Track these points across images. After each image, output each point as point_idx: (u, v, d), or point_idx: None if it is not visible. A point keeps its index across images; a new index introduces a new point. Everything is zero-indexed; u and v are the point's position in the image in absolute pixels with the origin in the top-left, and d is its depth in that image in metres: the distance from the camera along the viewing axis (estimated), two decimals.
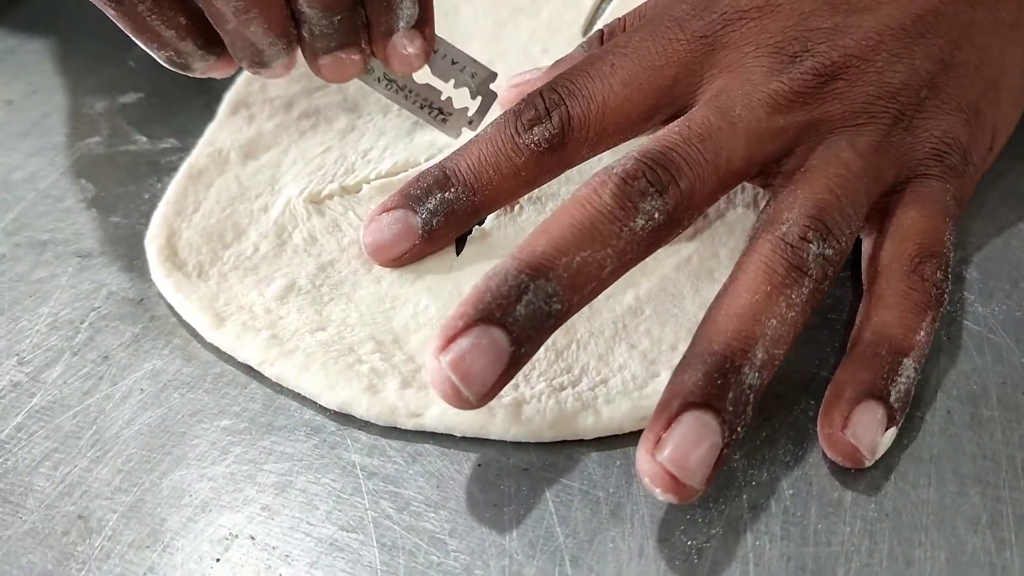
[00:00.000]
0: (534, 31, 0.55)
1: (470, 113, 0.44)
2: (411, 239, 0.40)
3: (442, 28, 0.42)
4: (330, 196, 0.45)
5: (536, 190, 0.44)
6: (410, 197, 0.40)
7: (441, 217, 0.40)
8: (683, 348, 0.38)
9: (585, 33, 0.55)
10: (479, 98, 0.43)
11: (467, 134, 0.43)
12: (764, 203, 0.39)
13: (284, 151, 0.48)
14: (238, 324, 0.40)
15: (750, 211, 0.44)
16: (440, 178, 0.40)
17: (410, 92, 0.43)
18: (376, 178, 0.46)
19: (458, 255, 0.42)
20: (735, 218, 0.43)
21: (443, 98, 0.43)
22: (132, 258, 0.44)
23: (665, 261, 0.42)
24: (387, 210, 0.40)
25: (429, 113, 0.43)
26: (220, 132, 0.49)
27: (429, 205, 0.40)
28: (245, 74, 0.52)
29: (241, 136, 0.49)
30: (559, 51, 0.47)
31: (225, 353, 0.40)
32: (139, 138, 0.51)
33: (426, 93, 0.43)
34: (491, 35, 0.55)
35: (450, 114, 0.44)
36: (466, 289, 0.41)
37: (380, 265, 0.41)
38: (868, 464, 0.34)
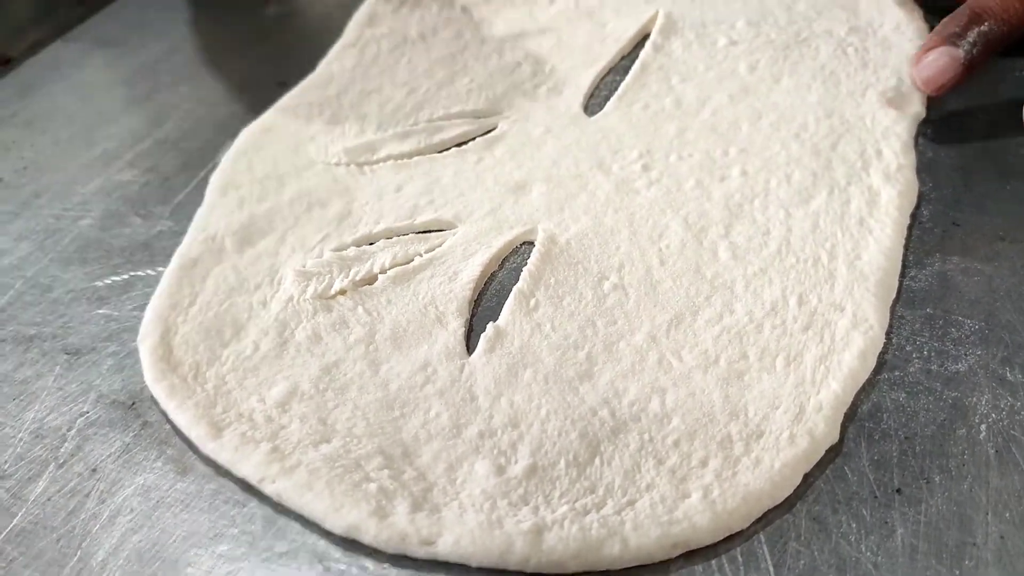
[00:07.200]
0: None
1: None
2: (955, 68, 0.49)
3: None
4: (342, 292, 0.43)
5: (553, 284, 0.42)
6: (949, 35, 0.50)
7: (980, 46, 0.49)
8: (714, 464, 0.36)
9: (585, 107, 0.53)
10: None
11: None
12: None
13: (281, 238, 0.46)
14: (237, 435, 0.37)
15: (775, 312, 0.41)
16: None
17: None
18: (391, 267, 0.44)
19: None
20: (763, 314, 0.41)
21: None
22: (124, 355, 0.42)
23: (691, 362, 0.39)
24: (929, 49, 0.50)
25: None
26: (211, 216, 0.47)
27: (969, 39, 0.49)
28: (230, 151, 0.50)
29: (234, 220, 0.46)
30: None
31: (222, 466, 0.37)
32: (133, 220, 0.48)
33: None
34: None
35: None
36: (478, 394, 0.39)
37: (932, 94, 0.50)
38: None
